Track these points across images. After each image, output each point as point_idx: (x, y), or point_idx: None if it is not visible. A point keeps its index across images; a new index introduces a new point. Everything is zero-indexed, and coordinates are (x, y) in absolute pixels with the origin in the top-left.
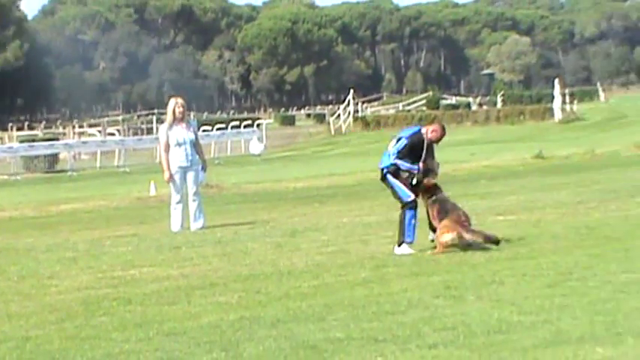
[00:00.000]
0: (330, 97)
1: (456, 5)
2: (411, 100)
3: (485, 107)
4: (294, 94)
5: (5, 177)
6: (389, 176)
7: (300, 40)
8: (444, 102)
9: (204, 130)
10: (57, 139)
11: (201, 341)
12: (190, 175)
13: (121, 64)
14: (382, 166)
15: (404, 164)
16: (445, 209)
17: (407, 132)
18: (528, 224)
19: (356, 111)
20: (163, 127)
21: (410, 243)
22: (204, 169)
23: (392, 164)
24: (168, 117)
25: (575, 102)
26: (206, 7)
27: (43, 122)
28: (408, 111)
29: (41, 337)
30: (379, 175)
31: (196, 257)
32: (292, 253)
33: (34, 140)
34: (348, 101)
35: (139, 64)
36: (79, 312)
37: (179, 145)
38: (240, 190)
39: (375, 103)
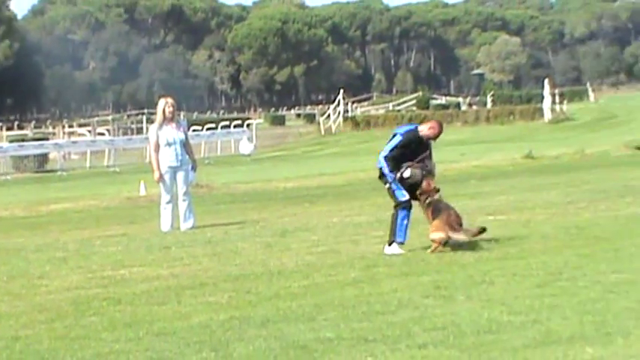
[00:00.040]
0: (320, 97)
1: (446, 5)
2: (401, 100)
3: (475, 107)
4: (284, 94)
5: None
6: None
7: (290, 40)
8: (433, 102)
9: (194, 130)
10: (47, 139)
11: (191, 341)
12: (180, 175)
13: (111, 63)
14: (380, 165)
15: (385, 167)
16: (437, 209)
17: (403, 129)
18: (518, 224)
19: (346, 111)
20: (153, 127)
21: (400, 243)
22: (194, 169)
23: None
24: (158, 117)
25: (565, 102)
26: (196, 7)
27: (33, 122)
28: (398, 111)
29: (31, 337)
30: (377, 174)
31: (186, 257)
32: (282, 253)
33: (23, 140)
34: (338, 101)
35: (129, 63)
36: (68, 312)
37: (169, 145)
38: (230, 190)
39: (365, 103)
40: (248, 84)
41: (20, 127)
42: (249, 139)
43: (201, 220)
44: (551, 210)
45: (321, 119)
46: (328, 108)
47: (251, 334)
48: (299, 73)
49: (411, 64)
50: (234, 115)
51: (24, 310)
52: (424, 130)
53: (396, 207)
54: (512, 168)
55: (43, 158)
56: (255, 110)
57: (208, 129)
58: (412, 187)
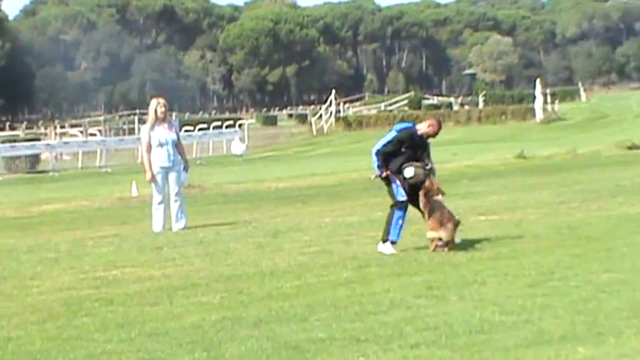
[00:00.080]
0: (312, 98)
1: (438, 5)
2: (392, 101)
3: (467, 107)
4: (276, 94)
5: None
6: (390, 174)
7: (282, 40)
8: (425, 102)
9: (186, 131)
10: (38, 140)
11: (183, 342)
12: (172, 176)
13: (102, 64)
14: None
15: (374, 162)
16: (432, 208)
17: (399, 126)
18: (510, 224)
19: (338, 111)
20: (145, 128)
21: (394, 242)
22: (186, 169)
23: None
24: (150, 117)
25: (557, 102)
26: (188, 8)
27: (25, 122)
28: (390, 111)
29: (23, 338)
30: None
31: (178, 258)
32: (274, 253)
33: (15, 140)
34: (330, 101)
35: (121, 64)
36: (60, 313)
37: (161, 145)
38: (222, 190)
39: (357, 104)
40: (240, 84)
41: (12, 128)
42: (241, 140)
43: (193, 220)
44: (543, 210)
45: (313, 119)
46: (320, 108)
47: (243, 334)
48: (291, 74)
49: (403, 64)
50: (226, 115)
51: (16, 311)
52: (423, 128)
53: (392, 206)
54: (504, 168)
55: (35, 159)
56: (247, 110)
57: (200, 129)
58: (414, 187)
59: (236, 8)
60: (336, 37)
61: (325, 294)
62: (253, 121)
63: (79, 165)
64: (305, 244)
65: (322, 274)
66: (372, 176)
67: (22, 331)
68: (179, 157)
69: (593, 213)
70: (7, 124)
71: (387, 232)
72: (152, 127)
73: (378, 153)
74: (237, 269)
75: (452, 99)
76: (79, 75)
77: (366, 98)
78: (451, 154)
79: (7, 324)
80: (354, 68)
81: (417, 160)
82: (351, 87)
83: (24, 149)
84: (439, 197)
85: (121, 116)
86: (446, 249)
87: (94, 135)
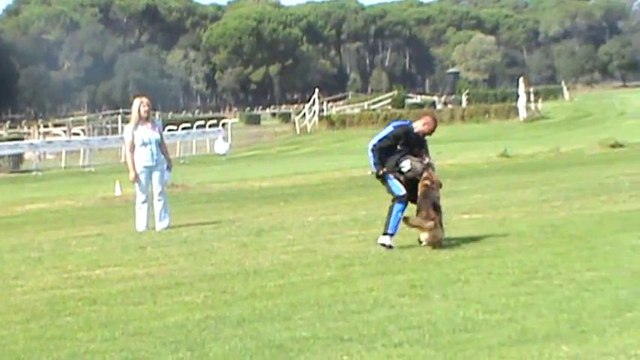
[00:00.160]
0: (296, 97)
1: (421, 4)
2: (376, 99)
3: (450, 106)
4: (260, 93)
5: None
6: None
7: (266, 39)
8: (409, 101)
9: (169, 130)
10: (22, 139)
11: (167, 341)
12: (156, 175)
13: (85, 63)
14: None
15: (371, 158)
16: (423, 203)
17: (396, 123)
18: (494, 223)
19: (321, 110)
20: (129, 127)
21: (392, 235)
22: (169, 168)
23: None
24: (134, 117)
25: (540, 100)
26: (171, 7)
27: (8, 122)
28: (374, 110)
29: (6, 338)
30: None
31: (162, 257)
32: (258, 252)
33: None
34: (314, 100)
35: (104, 63)
36: (44, 312)
37: (144, 144)
38: (205, 189)
39: (341, 103)
40: (223, 83)
41: None
42: (225, 139)
43: (176, 219)
44: (526, 208)
45: (297, 118)
46: (303, 107)
47: (227, 333)
48: (274, 73)
49: (386, 63)
50: (210, 114)
51: None
52: (419, 126)
53: (393, 200)
54: (487, 167)
55: (18, 158)
56: (230, 110)
57: (183, 129)
58: (412, 181)
59: (219, 7)
60: (320, 36)
61: (309, 293)
62: (236, 120)
63: (63, 164)
64: (288, 243)
65: (306, 273)
66: (370, 171)
67: (6, 330)
68: (162, 156)
69: (576, 211)
70: None
71: (386, 225)
72: (135, 127)
73: (374, 149)
74: (220, 268)
75: (435, 98)
76: (62, 74)
77: (350, 97)
78: (435, 152)
79: None
80: (337, 67)
81: (414, 156)
82: (334, 86)
83: (7, 149)
84: (435, 191)
85: (104, 116)
86: (429, 247)
87: (78, 134)
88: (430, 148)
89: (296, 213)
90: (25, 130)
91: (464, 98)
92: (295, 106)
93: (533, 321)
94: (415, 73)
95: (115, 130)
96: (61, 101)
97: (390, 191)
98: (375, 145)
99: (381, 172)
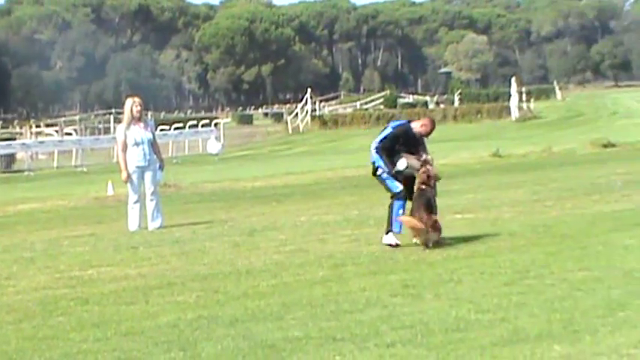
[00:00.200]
0: (288, 96)
1: (413, 4)
2: (368, 99)
3: (442, 106)
4: (252, 93)
5: None
6: (380, 170)
7: (258, 39)
8: (401, 101)
9: (161, 130)
10: (14, 139)
11: (159, 341)
12: (148, 175)
13: (78, 63)
14: (373, 159)
15: (378, 160)
16: (417, 205)
17: (394, 123)
18: (486, 222)
19: (313, 110)
20: (121, 127)
21: (397, 232)
22: (161, 168)
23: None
24: (126, 116)
25: (532, 100)
26: (163, 7)
27: (0, 122)
28: (366, 110)
29: None
30: (372, 169)
31: (154, 257)
32: (250, 252)
33: None
34: (306, 100)
35: (96, 63)
36: (36, 312)
37: (137, 144)
38: (197, 189)
39: (333, 102)
40: (215, 83)
41: None
42: (217, 139)
43: (169, 219)
44: (518, 208)
45: (289, 118)
46: (296, 107)
47: (219, 333)
48: (266, 73)
49: (379, 62)
50: (202, 114)
51: None
52: (417, 127)
53: (392, 198)
54: (479, 166)
55: (11, 158)
56: (222, 109)
57: (176, 128)
58: (410, 178)
59: (211, 7)
60: (312, 35)
61: (301, 293)
62: (229, 120)
63: (55, 164)
64: (281, 242)
65: (298, 273)
66: (379, 177)
67: None
68: (155, 156)
69: (568, 211)
70: None
71: (389, 223)
72: (128, 127)
73: (379, 150)
74: (213, 268)
75: (427, 97)
76: (55, 74)
77: (342, 97)
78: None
79: None
80: (329, 67)
81: (411, 154)
82: (326, 86)
83: None
84: (429, 191)
85: (96, 115)
86: (422, 246)
87: (70, 134)
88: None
89: (288, 213)
90: (18, 130)
91: (456, 98)
92: (288, 105)
93: (526, 321)
94: (407, 73)
95: (107, 130)
96: (53, 101)
97: (387, 189)
98: (378, 148)
99: (393, 171)
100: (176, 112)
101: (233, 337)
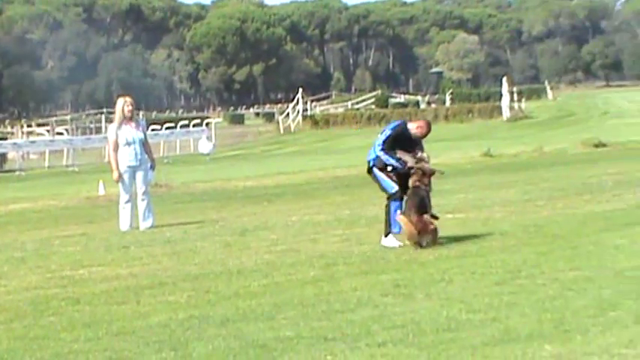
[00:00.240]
0: (279, 96)
1: (405, 4)
2: (360, 99)
3: (433, 106)
4: (243, 93)
5: None
6: (375, 169)
7: (249, 39)
8: (392, 100)
9: (153, 130)
10: (5, 139)
11: (151, 340)
12: (139, 175)
13: (69, 63)
14: (369, 158)
15: (389, 159)
16: (412, 204)
17: (391, 125)
18: (477, 222)
19: (305, 110)
20: (112, 127)
21: (396, 232)
22: (152, 168)
23: (377, 157)
24: (117, 116)
25: (523, 100)
26: (155, 6)
27: None
28: (357, 109)
29: None
30: (366, 167)
31: (145, 256)
32: (241, 252)
33: None
34: (297, 100)
35: (88, 63)
36: (27, 312)
37: (128, 144)
38: (189, 189)
39: (324, 102)
40: (207, 83)
41: None
42: (208, 138)
43: (160, 219)
44: (509, 208)
45: (280, 118)
46: (287, 107)
47: (210, 333)
48: (258, 72)
49: (370, 62)
50: (193, 114)
51: None
52: (412, 128)
53: (388, 199)
54: (470, 166)
55: (2, 158)
56: (214, 109)
57: (167, 128)
58: (405, 176)
59: (203, 7)
60: (303, 35)
61: (292, 292)
62: (220, 119)
63: (46, 164)
64: (272, 242)
65: (289, 273)
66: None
67: None
68: (146, 156)
69: (559, 211)
70: None
71: (387, 225)
72: (119, 126)
73: (386, 152)
74: (204, 268)
75: (419, 97)
76: (46, 74)
77: (333, 97)
78: None
79: None
80: (321, 67)
81: (407, 152)
82: (318, 85)
83: None
84: (422, 189)
85: (87, 115)
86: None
87: (61, 134)
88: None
89: (280, 212)
90: (9, 129)
91: (447, 98)
92: (279, 105)
93: (517, 320)
94: (399, 73)
95: (98, 130)
96: (44, 101)
97: (382, 189)
98: (383, 149)
99: (406, 167)
100: (167, 112)
101: (224, 336)
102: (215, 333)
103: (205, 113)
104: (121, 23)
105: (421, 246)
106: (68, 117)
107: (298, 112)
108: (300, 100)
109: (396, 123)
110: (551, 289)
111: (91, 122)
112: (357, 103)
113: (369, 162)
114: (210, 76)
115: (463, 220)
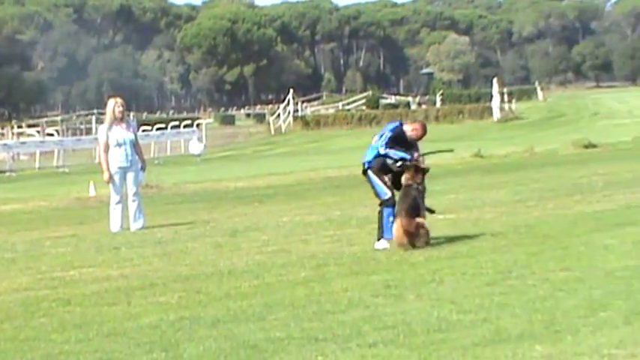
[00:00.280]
0: (270, 97)
1: (395, 5)
2: (350, 100)
3: (424, 106)
4: (234, 93)
5: None
6: (370, 172)
7: (240, 39)
8: (383, 101)
9: (143, 130)
10: None
11: (141, 342)
12: (130, 176)
13: (59, 64)
14: (365, 160)
15: (396, 153)
16: (402, 201)
17: (389, 126)
18: (467, 223)
19: (296, 110)
20: (103, 128)
21: (389, 239)
22: (143, 169)
23: (382, 155)
24: (108, 117)
25: (514, 101)
26: (145, 7)
27: None
28: (348, 110)
29: None
30: (362, 169)
31: (136, 258)
32: (232, 252)
33: None
34: (288, 101)
35: (78, 64)
36: (18, 313)
37: (119, 145)
38: (180, 190)
39: (315, 103)
40: (198, 84)
41: None
42: (199, 139)
43: (151, 220)
44: (500, 209)
45: (271, 119)
46: (278, 107)
47: (201, 334)
48: (249, 73)
49: (361, 63)
50: (184, 115)
51: None
52: (408, 130)
53: (381, 205)
54: (461, 167)
55: None
56: (204, 110)
57: (158, 129)
58: (399, 175)
59: (193, 8)
60: (294, 36)
61: (283, 293)
62: (211, 120)
63: (37, 165)
64: (263, 243)
65: (280, 274)
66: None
67: None
68: (137, 157)
69: (550, 211)
70: None
71: (380, 230)
72: (110, 127)
73: (388, 148)
74: (195, 269)
75: (410, 98)
76: (36, 75)
77: (324, 97)
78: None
79: None
80: (311, 68)
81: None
82: (308, 86)
83: None
84: (414, 189)
85: (78, 116)
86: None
87: (52, 135)
88: None
89: (270, 213)
90: None
91: (438, 98)
92: (270, 106)
93: (507, 321)
94: (389, 74)
95: (89, 131)
96: (35, 102)
97: (376, 194)
98: (386, 147)
99: (414, 160)
100: (158, 113)
101: (215, 337)
102: (206, 334)
103: (196, 114)
104: (111, 24)
105: (413, 246)
106: (59, 118)
107: (289, 112)
108: (291, 101)
109: (394, 125)
110: (541, 290)
111: (81, 123)
112: (348, 103)
113: (364, 164)
114: (200, 76)
115: (454, 220)
